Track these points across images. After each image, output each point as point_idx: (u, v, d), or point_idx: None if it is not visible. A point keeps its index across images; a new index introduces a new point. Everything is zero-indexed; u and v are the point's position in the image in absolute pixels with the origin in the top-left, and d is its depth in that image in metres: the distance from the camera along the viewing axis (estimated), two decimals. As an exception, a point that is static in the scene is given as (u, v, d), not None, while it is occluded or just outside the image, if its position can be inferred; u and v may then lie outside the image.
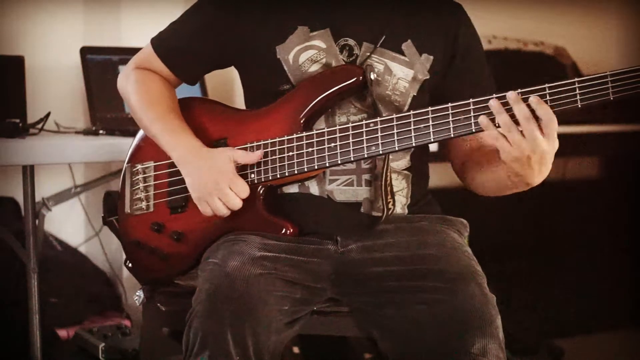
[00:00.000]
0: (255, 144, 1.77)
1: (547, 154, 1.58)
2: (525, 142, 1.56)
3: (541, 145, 1.56)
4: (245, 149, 1.77)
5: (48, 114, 2.56)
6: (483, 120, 1.59)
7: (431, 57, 1.80)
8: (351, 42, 1.79)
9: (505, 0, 3.56)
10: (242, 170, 1.77)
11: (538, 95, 1.56)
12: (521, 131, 1.56)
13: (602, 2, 3.76)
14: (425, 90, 1.81)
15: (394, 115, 1.67)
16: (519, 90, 1.58)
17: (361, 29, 1.79)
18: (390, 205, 1.75)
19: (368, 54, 1.77)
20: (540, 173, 1.62)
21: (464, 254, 1.74)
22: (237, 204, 1.73)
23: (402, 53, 1.79)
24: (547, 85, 1.56)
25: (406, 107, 1.79)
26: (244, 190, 1.73)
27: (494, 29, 3.41)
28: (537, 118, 1.55)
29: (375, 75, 1.77)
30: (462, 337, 1.58)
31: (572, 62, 3.55)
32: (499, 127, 1.58)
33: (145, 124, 1.86)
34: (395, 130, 1.66)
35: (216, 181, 1.72)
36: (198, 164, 1.76)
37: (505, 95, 1.58)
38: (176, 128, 1.81)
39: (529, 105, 1.55)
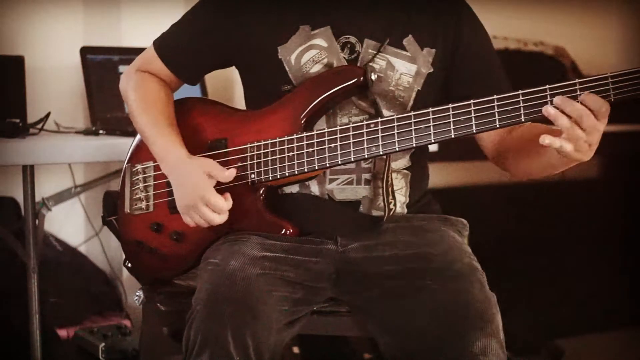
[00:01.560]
0: (255, 144, 1.77)
1: (601, 133, 1.56)
2: (584, 136, 1.53)
3: (600, 130, 1.54)
4: (246, 149, 1.77)
5: (48, 114, 2.56)
6: (550, 110, 1.53)
7: (433, 51, 1.80)
8: (352, 39, 1.79)
9: (505, 0, 3.56)
10: (242, 170, 1.77)
11: (538, 95, 1.56)
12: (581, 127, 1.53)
13: (602, 2, 3.76)
14: (431, 83, 1.81)
15: (395, 116, 1.67)
16: (519, 92, 1.57)
17: (362, 26, 1.79)
18: (391, 206, 1.75)
19: (373, 52, 1.77)
20: (593, 150, 1.58)
21: (464, 253, 1.75)
22: (217, 220, 1.72)
23: (404, 49, 1.79)
24: (547, 86, 1.56)
25: (410, 103, 1.79)
26: (221, 207, 1.71)
27: (494, 29, 3.38)
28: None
29: (377, 75, 1.76)
30: (463, 336, 1.58)
31: (572, 62, 3.55)
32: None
33: (140, 127, 1.86)
34: (395, 131, 1.66)
35: (192, 198, 1.72)
36: (178, 177, 1.76)
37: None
38: (166, 136, 1.80)
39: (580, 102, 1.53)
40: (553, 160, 1.66)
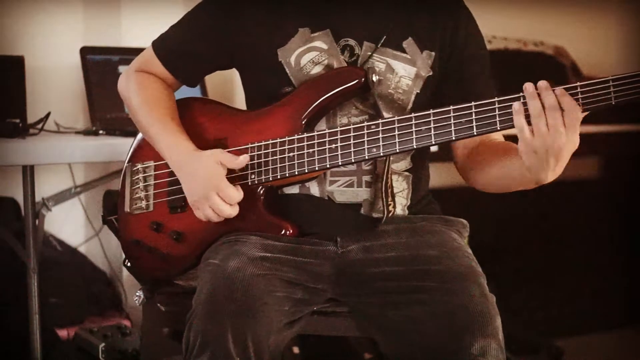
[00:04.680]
0: (256, 144, 1.77)
1: (564, 149, 1.54)
2: (547, 134, 1.52)
3: (561, 138, 1.52)
4: (246, 149, 1.77)
5: (48, 114, 2.56)
6: (516, 105, 1.54)
7: (433, 54, 1.80)
8: (352, 42, 1.79)
9: (505, 0, 3.56)
10: (242, 170, 1.77)
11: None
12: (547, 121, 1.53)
13: (602, 2, 3.76)
14: (429, 86, 1.81)
15: (395, 118, 1.66)
16: (521, 94, 1.57)
17: (361, 29, 1.79)
18: (390, 207, 1.75)
19: (369, 53, 1.77)
20: (554, 170, 1.57)
21: (464, 254, 1.74)
22: (228, 212, 1.71)
23: (404, 51, 1.79)
24: (549, 89, 1.56)
25: (409, 105, 1.79)
26: (233, 197, 1.71)
27: (494, 29, 3.41)
28: (561, 110, 1.52)
29: (377, 77, 1.76)
30: (462, 337, 1.58)
31: (572, 62, 3.55)
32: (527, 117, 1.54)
33: (144, 126, 1.86)
34: (396, 132, 1.66)
35: (205, 188, 1.71)
36: (189, 170, 1.75)
37: (524, 89, 1.55)
38: (172, 132, 1.81)
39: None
40: (514, 172, 1.66)
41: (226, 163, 1.72)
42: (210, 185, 1.71)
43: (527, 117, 1.54)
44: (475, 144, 1.81)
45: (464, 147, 1.83)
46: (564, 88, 1.53)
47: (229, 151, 1.77)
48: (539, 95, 1.53)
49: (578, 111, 1.52)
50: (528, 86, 1.54)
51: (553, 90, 1.53)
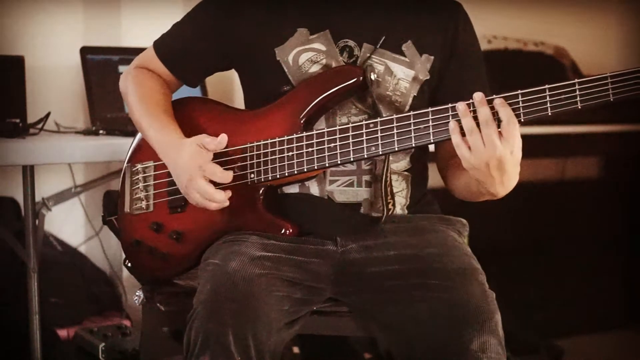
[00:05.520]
0: (255, 144, 1.77)
1: (505, 161, 1.56)
2: (483, 148, 1.55)
3: (498, 150, 1.54)
4: (245, 149, 1.77)
5: (48, 114, 2.56)
6: (451, 124, 1.58)
7: (432, 58, 1.81)
8: (351, 43, 1.79)
9: (505, 0, 3.56)
10: (241, 170, 1.77)
11: (537, 96, 1.56)
12: (482, 136, 1.55)
13: (602, 2, 3.76)
14: (426, 90, 1.81)
15: (394, 116, 1.67)
16: (519, 92, 1.57)
17: (361, 30, 1.79)
18: (390, 206, 1.76)
19: (368, 54, 1.77)
20: (502, 182, 1.59)
21: (463, 253, 1.75)
22: (214, 194, 1.69)
23: (403, 54, 1.79)
24: (547, 86, 1.56)
25: (407, 108, 1.80)
26: (216, 174, 1.69)
27: (494, 29, 3.41)
28: (499, 121, 1.55)
29: (376, 76, 1.77)
30: (462, 333, 1.59)
31: (572, 62, 3.55)
32: (463, 133, 1.57)
33: (137, 119, 1.86)
34: (395, 131, 1.66)
35: (188, 171, 1.71)
36: (175, 157, 1.75)
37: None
38: (161, 125, 1.80)
39: (492, 108, 1.55)
40: (472, 187, 1.68)
41: (207, 144, 1.71)
42: (193, 166, 1.70)
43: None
44: (452, 153, 1.82)
45: (445, 152, 1.84)
46: (503, 97, 1.55)
47: (228, 151, 1.77)
48: (474, 110, 1.55)
49: (514, 122, 1.54)
50: (459, 105, 1.57)
51: (492, 100, 1.55)
